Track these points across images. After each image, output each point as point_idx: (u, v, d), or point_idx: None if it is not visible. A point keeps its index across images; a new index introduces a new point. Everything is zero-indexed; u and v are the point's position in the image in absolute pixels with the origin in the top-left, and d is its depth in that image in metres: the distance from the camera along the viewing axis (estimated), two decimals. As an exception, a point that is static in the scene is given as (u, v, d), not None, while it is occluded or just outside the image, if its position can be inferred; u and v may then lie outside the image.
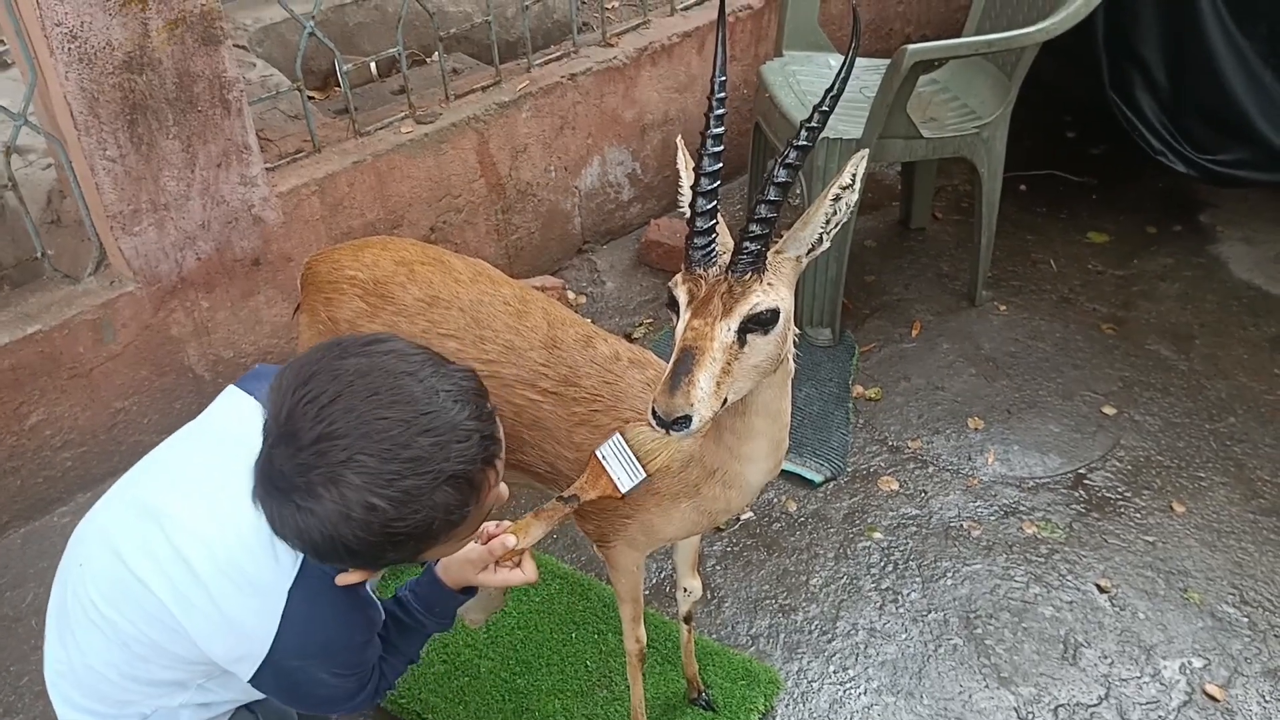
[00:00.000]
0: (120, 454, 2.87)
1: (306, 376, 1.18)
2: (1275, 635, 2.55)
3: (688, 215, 1.42)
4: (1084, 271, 3.78)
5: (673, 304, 1.44)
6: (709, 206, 1.38)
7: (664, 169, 3.95)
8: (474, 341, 1.84)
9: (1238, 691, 2.43)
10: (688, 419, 1.34)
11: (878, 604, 2.64)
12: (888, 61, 3.67)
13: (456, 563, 1.51)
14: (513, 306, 1.87)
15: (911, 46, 2.92)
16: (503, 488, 1.34)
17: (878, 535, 2.81)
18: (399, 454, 1.16)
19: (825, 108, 1.35)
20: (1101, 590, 2.67)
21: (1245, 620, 2.60)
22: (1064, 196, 4.13)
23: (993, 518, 2.87)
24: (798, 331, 1.51)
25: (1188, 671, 2.48)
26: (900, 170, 3.96)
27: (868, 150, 1.41)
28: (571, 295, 3.62)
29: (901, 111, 3.09)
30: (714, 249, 1.40)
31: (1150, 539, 2.80)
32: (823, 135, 3.15)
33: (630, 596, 1.96)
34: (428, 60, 4.02)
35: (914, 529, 2.83)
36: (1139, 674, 2.47)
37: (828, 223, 1.43)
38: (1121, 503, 2.91)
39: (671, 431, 1.35)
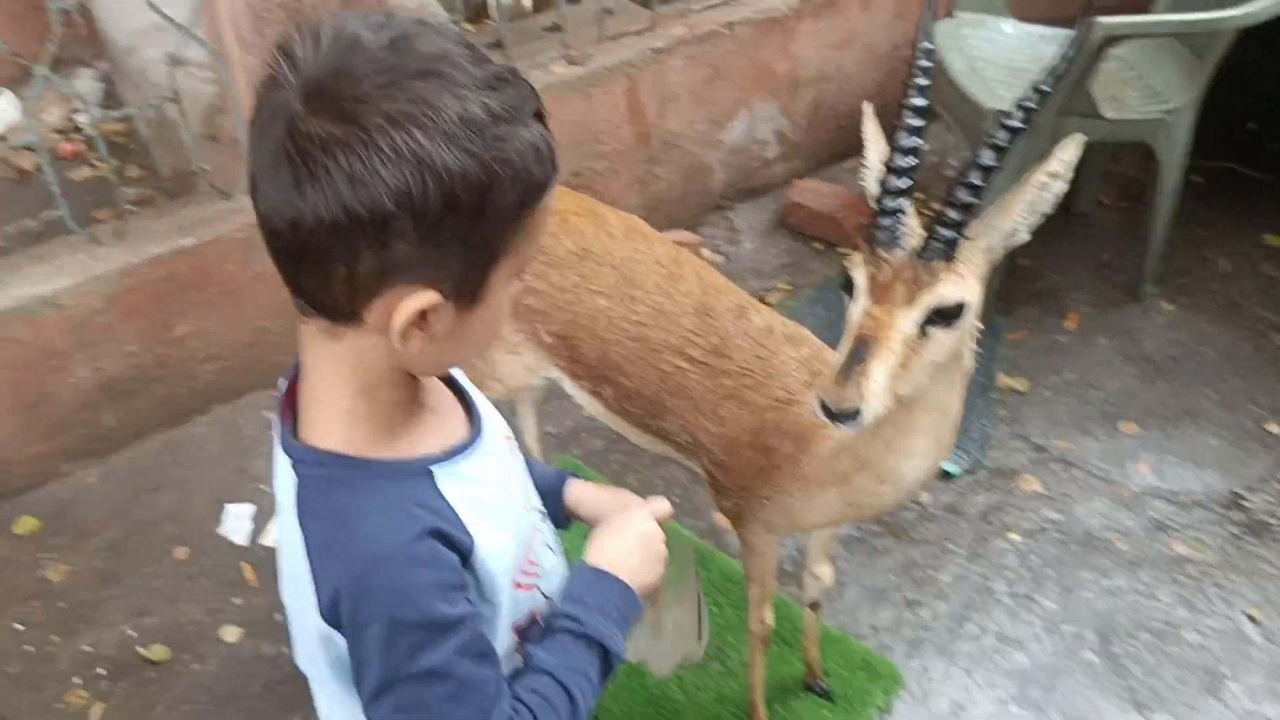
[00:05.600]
0: (259, 371, 2.93)
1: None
2: None
3: (875, 192, 1.31)
4: (1257, 275, 3.49)
5: (848, 286, 1.33)
6: (901, 185, 1.27)
7: (813, 128, 3.80)
8: (623, 300, 1.77)
9: (1396, 746, 2.24)
10: (858, 413, 1.25)
11: (1010, 609, 2.50)
12: (1067, 31, 3.43)
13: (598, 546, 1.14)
14: (665, 268, 1.79)
15: (1102, 20, 2.70)
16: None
17: (1015, 537, 2.67)
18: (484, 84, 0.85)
19: (1045, 87, 1.22)
20: (1252, 620, 2.49)
21: None
22: (1241, 193, 3.80)
23: (1140, 531, 2.69)
24: (978, 326, 1.40)
25: (1342, 719, 2.29)
26: (1068, 149, 3.72)
27: (1081, 137, 1.27)
28: (707, 253, 3.52)
29: (1083, 89, 2.88)
30: (901, 230, 1.29)
31: (1311, 572, 2.59)
32: (992, 107, 2.98)
33: (759, 578, 1.89)
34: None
35: (1055, 534, 2.68)
36: (1287, 716, 2.30)
37: (1028, 213, 1.31)
38: (1280, 529, 2.70)
39: (839, 425, 1.26)
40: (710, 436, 1.73)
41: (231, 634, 2.40)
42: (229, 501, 2.70)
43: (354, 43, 0.83)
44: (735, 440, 1.69)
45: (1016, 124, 1.22)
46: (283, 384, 1.02)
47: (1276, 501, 2.77)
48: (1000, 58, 3.25)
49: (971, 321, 1.34)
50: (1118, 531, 2.68)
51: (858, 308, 1.30)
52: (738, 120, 3.59)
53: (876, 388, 1.25)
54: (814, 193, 3.66)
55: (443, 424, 1.04)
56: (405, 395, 0.99)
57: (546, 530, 1.17)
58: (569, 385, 1.90)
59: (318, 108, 0.81)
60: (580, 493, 1.25)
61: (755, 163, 3.74)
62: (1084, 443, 2.92)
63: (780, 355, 1.68)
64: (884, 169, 1.29)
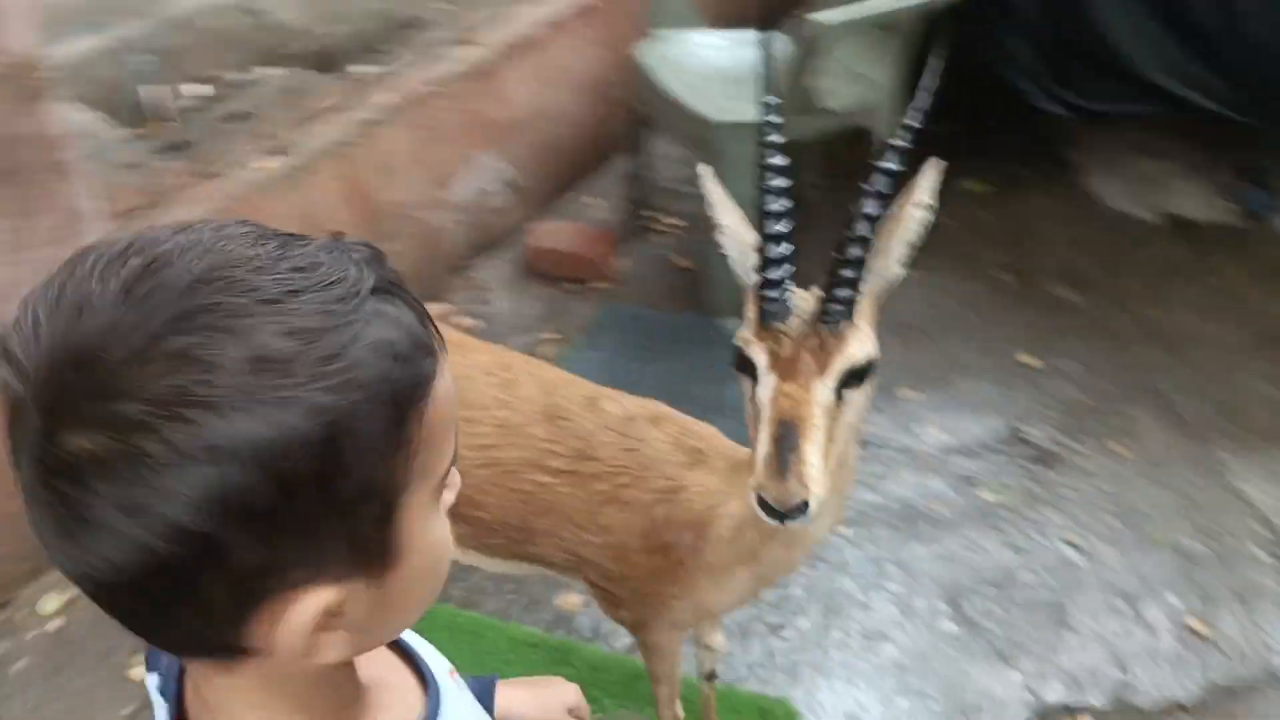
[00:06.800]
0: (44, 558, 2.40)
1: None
2: (1234, 558, 2.60)
3: (754, 263, 1.20)
4: (973, 222, 3.78)
5: (743, 366, 1.22)
6: (784, 252, 1.18)
7: (539, 169, 3.69)
8: (460, 425, 1.56)
9: (1214, 619, 2.46)
10: (804, 505, 1.14)
11: (863, 603, 2.52)
12: (753, 32, 3.50)
13: None
14: (496, 375, 1.60)
15: (819, 16, 2.77)
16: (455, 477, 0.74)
17: (843, 529, 2.70)
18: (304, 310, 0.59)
19: (915, 124, 1.17)
20: (1071, 545, 2.66)
21: (1204, 550, 2.64)
22: (937, 149, 4.09)
23: (950, 490, 2.81)
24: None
25: (1168, 610, 2.49)
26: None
27: (942, 162, 1.24)
28: (469, 321, 3.32)
29: (800, 86, 2.95)
30: (790, 299, 1.20)
31: (1102, 486, 2.81)
32: (719, 120, 3.00)
33: (667, 677, 1.75)
34: (255, 82, 3.57)
35: (878, 516, 2.73)
36: (1128, 624, 2.46)
37: (903, 249, 1.26)
38: (1064, 453, 2.91)
39: (787, 523, 1.15)
40: (595, 550, 1.56)
41: None
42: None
43: (80, 305, 0.58)
44: (625, 546, 1.54)
45: (894, 166, 1.16)
46: (159, 684, 0.76)
47: (1053, 427, 2.98)
48: (709, 69, 3.29)
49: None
50: (931, 496, 2.78)
51: (766, 388, 1.19)
52: (462, 177, 3.41)
53: (815, 471, 1.15)
54: (553, 234, 3.55)
55: (393, 697, 0.81)
56: (345, 691, 0.76)
57: None
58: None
59: (60, 418, 0.57)
60: (509, 704, 1.07)
61: (488, 215, 3.57)
62: (873, 419, 3.01)
63: (650, 441, 1.55)
64: (761, 239, 1.18)
